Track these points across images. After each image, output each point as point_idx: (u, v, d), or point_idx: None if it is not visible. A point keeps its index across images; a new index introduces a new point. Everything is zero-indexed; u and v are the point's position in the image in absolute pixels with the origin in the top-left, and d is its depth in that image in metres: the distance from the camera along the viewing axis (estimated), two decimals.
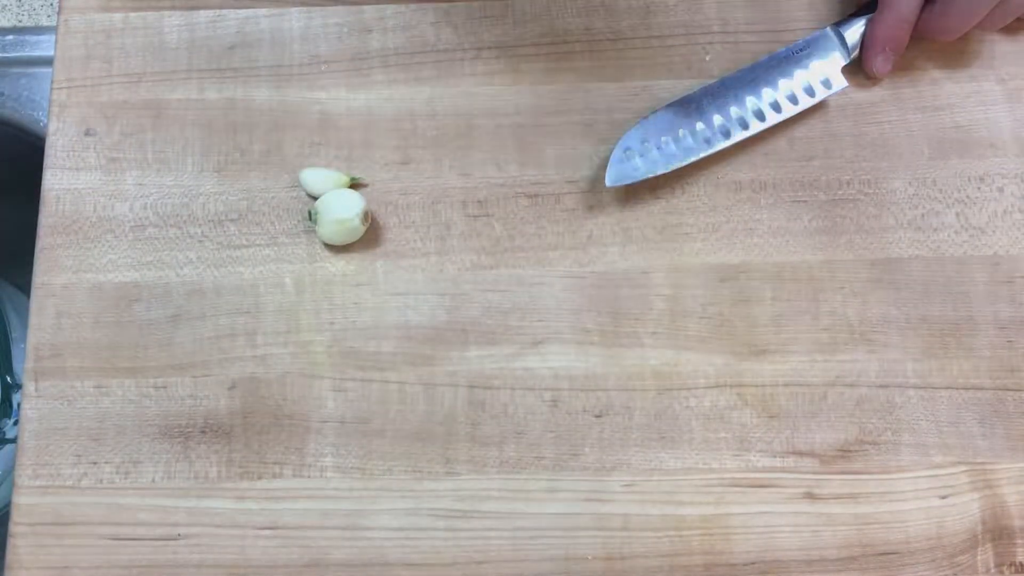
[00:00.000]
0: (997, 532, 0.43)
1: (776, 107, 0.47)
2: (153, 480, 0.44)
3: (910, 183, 0.47)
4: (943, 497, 0.43)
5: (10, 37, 0.79)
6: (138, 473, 0.44)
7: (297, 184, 0.47)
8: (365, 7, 0.50)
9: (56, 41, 0.50)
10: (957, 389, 0.44)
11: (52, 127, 0.49)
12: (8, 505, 0.43)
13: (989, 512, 0.43)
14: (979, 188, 0.47)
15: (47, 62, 0.78)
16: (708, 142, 0.46)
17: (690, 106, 0.47)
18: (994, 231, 0.47)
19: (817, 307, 0.46)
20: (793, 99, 0.47)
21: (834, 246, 0.46)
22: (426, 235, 0.47)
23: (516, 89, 0.49)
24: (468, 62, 0.49)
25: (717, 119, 0.47)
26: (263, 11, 0.50)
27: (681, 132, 0.46)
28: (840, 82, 0.48)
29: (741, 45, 0.49)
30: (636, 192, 0.47)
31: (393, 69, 0.49)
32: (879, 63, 0.48)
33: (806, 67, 0.48)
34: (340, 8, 0.50)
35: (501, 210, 0.47)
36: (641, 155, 0.46)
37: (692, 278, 0.46)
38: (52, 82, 0.49)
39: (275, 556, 0.43)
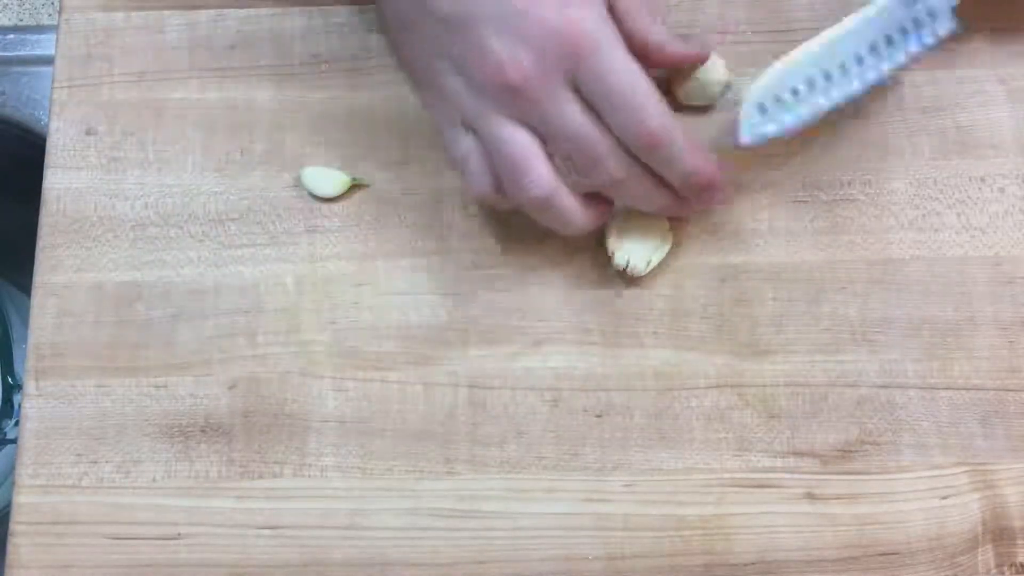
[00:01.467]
0: (998, 533, 0.43)
1: (890, 41, 0.45)
2: (153, 479, 0.44)
3: (911, 183, 0.47)
4: (944, 498, 0.43)
5: (11, 36, 0.79)
6: (138, 472, 0.44)
7: (298, 183, 0.47)
8: (366, 7, 0.50)
9: (57, 40, 0.50)
10: (958, 390, 0.44)
11: (53, 126, 0.49)
12: (9, 505, 0.43)
13: (990, 513, 0.43)
14: (980, 189, 0.47)
15: (48, 61, 0.78)
16: (850, 82, 0.44)
17: (814, 52, 0.44)
18: (995, 231, 0.47)
19: (818, 307, 0.46)
20: (904, 34, 0.45)
21: (835, 246, 0.46)
22: (427, 235, 0.47)
23: None
24: None
25: (846, 61, 0.44)
26: (264, 10, 0.50)
27: (815, 78, 0.44)
28: (950, 25, 0.45)
29: (742, 45, 0.49)
30: None
31: (394, 69, 0.49)
32: None
33: (917, 6, 0.44)
34: (341, 8, 0.50)
35: (502, 210, 0.47)
36: (778, 109, 0.43)
37: (693, 278, 0.46)
38: (53, 81, 0.49)
39: (275, 556, 0.43)
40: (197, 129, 0.48)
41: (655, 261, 0.45)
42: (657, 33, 0.42)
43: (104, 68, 0.49)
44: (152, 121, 0.48)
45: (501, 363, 0.45)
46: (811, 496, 0.43)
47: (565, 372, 0.45)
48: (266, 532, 0.43)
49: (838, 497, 0.43)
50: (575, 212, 0.41)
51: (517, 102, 0.39)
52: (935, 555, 0.42)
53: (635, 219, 0.45)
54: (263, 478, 0.43)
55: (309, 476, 0.43)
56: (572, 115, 0.39)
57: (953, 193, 0.47)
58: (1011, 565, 0.42)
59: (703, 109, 0.48)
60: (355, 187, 0.47)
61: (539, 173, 0.40)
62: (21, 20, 1.13)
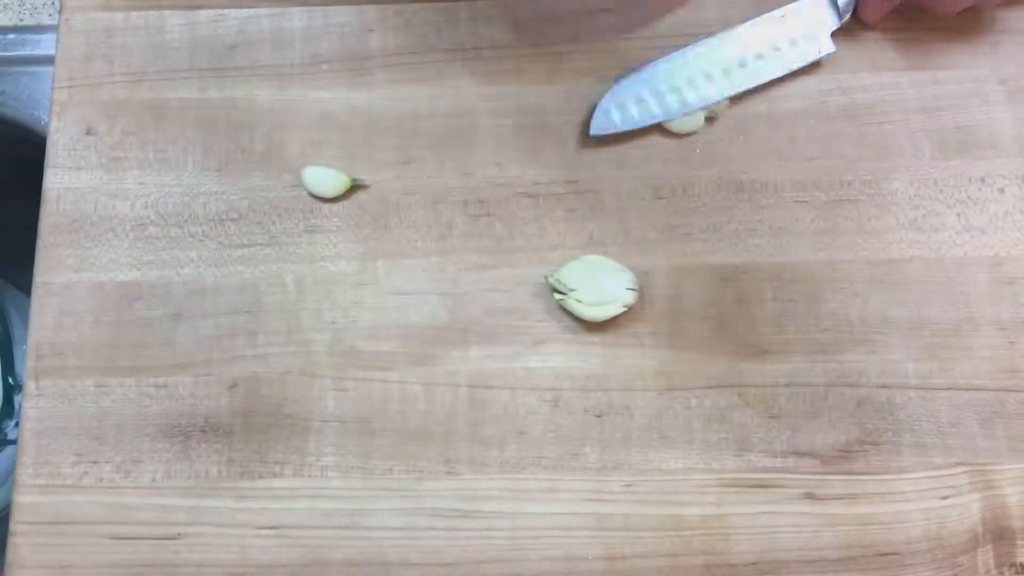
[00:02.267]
0: (998, 533, 0.43)
1: (760, 57, 0.48)
2: (153, 479, 0.44)
3: (911, 184, 0.47)
4: (944, 498, 0.43)
5: (11, 36, 0.79)
6: (139, 472, 0.44)
7: (298, 183, 0.47)
8: (366, 7, 0.50)
9: (57, 40, 0.50)
10: (958, 390, 0.44)
11: (53, 126, 0.49)
12: (9, 505, 0.43)
13: (990, 513, 0.43)
14: (980, 189, 0.47)
15: (48, 61, 0.78)
16: (687, 101, 0.47)
17: (676, 61, 0.48)
18: (995, 232, 0.47)
19: (818, 307, 0.46)
20: (778, 52, 0.48)
21: (835, 246, 0.46)
22: (427, 235, 0.47)
23: (517, 89, 0.49)
24: (469, 62, 0.49)
25: (700, 74, 0.47)
26: (264, 10, 0.50)
27: (665, 88, 0.47)
28: (828, 46, 0.48)
29: None
30: (637, 192, 0.47)
31: (394, 69, 0.49)
32: (870, 10, 0.47)
33: (794, 25, 0.48)
34: (341, 8, 0.50)
35: (502, 210, 0.47)
36: (622, 109, 0.47)
37: (693, 278, 0.46)
38: (53, 81, 0.49)
39: (275, 556, 0.43)
40: (197, 129, 0.48)
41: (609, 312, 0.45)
42: None
43: (104, 68, 0.49)
44: (152, 121, 0.48)
45: (501, 363, 0.45)
46: (811, 496, 0.43)
47: (565, 372, 0.45)
48: (266, 532, 0.43)
49: (838, 497, 0.43)
50: None
51: None
52: (935, 555, 0.42)
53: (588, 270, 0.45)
54: (263, 478, 0.43)
55: (309, 476, 0.43)
56: None
57: (953, 193, 0.47)
58: (1011, 565, 0.42)
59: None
60: (355, 187, 0.47)
61: None
62: (21, 20, 1.13)
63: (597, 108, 0.47)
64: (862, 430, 0.44)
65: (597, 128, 0.47)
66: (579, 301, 0.44)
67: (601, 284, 0.44)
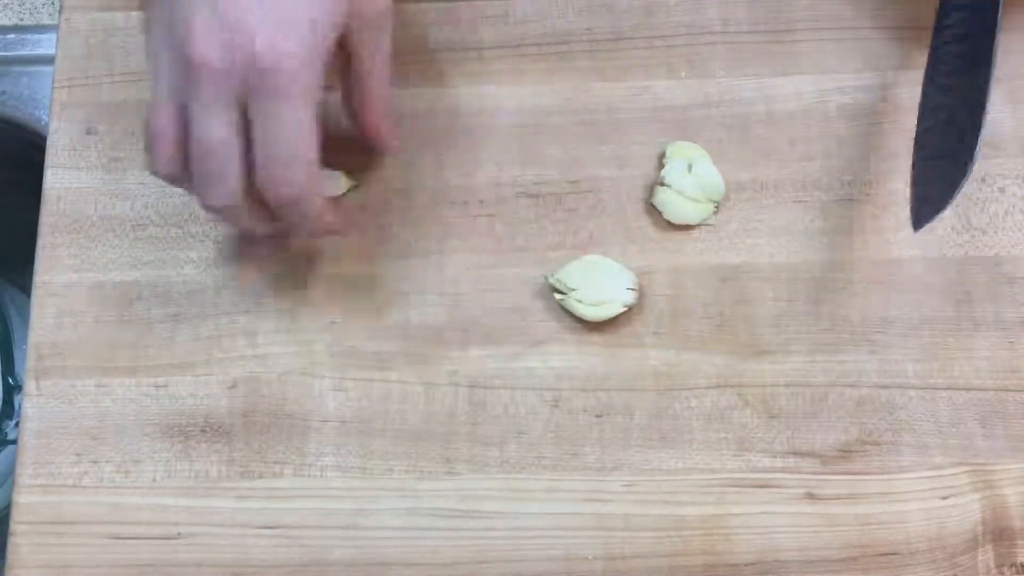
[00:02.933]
0: (998, 533, 0.43)
1: None
2: (153, 479, 0.44)
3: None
4: (944, 498, 0.43)
5: (11, 36, 0.79)
6: (138, 472, 0.44)
7: None
8: None
9: (57, 40, 0.50)
10: (958, 390, 0.44)
11: (53, 126, 0.49)
12: (9, 505, 0.43)
13: (990, 513, 0.43)
14: (980, 189, 0.47)
15: (48, 61, 0.78)
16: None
17: None
18: (995, 232, 0.47)
19: (818, 307, 0.46)
20: None
21: (835, 246, 0.46)
22: (427, 235, 0.47)
23: (517, 89, 0.49)
24: (469, 62, 0.49)
25: None
26: None
27: None
28: None
29: (743, 45, 0.49)
30: (637, 192, 0.47)
31: (394, 69, 0.49)
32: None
33: None
34: None
35: (502, 210, 0.47)
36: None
37: (693, 278, 0.46)
38: (53, 81, 0.49)
39: (275, 555, 0.43)
40: None
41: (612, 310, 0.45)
42: (379, 102, 0.43)
43: (104, 68, 0.49)
44: None
45: (501, 363, 0.45)
46: (811, 496, 0.43)
47: (565, 372, 0.45)
48: (266, 532, 0.43)
49: (838, 497, 0.43)
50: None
51: (190, 81, 0.37)
52: (935, 555, 0.42)
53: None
54: (263, 478, 0.43)
55: (309, 476, 0.43)
56: (218, 125, 0.37)
57: None
58: (1011, 565, 0.42)
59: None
60: (355, 187, 0.47)
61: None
62: (21, 20, 1.13)
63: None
64: (862, 430, 0.44)
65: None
66: (579, 301, 0.44)
67: (601, 284, 0.44)
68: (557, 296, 0.45)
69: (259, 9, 0.36)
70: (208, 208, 0.39)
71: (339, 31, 0.38)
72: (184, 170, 0.39)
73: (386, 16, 0.41)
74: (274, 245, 0.45)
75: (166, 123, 0.38)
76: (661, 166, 0.47)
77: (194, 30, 0.36)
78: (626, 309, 0.44)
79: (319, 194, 0.39)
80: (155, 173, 0.39)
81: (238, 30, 0.36)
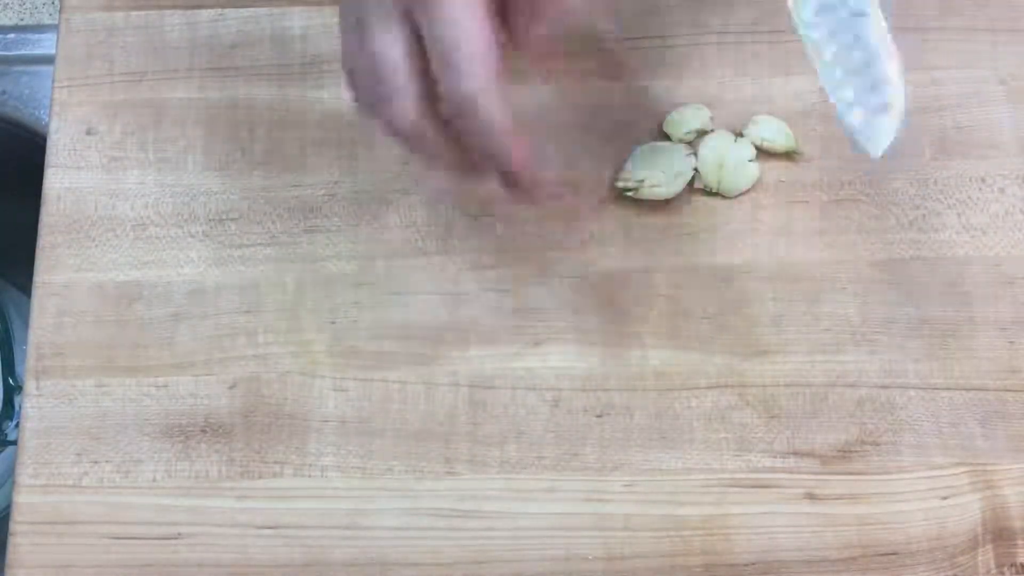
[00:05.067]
0: (998, 533, 0.43)
1: None
2: (154, 479, 0.44)
3: (911, 183, 0.47)
4: (944, 498, 0.43)
5: (12, 35, 0.79)
6: (139, 472, 0.44)
7: (299, 183, 0.47)
8: None
9: (57, 40, 0.50)
10: (958, 390, 0.44)
11: (53, 126, 0.49)
12: (9, 506, 0.43)
13: (990, 513, 0.43)
14: (980, 189, 0.47)
15: (48, 61, 0.77)
16: None
17: None
18: (995, 232, 0.47)
19: (818, 308, 0.46)
20: None
21: (835, 246, 0.46)
22: (427, 234, 0.47)
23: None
24: None
25: None
26: (264, 10, 0.50)
27: None
28: None
29: (743, 45, 0.49)
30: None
31: None
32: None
33: None
34: None
35: (502, 210, 0.47)
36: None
37: (693, 278, 0.46)
38: (54, 81, 0.49)
39: (275, 555, 0.43)
40: (197, 129, 0.48)
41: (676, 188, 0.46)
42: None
43: (104, 68, 0.49)
44: (152, 121, 0.48)
45: (501, 363, 0.45)
46: (811, 496, 0.43)
47: (565, 372, 0.45)
48: (266, 532, 0.43)
49: (838, 497, 0.43)
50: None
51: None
52: (935, 555, 0.42)
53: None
54: (263, 478, 0.43)
55: (309, 476, 0.43)
56: (390, 40, 0.36)
57: (953, 193, 0.47)
58: (1011, 565, 0.42)
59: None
60: (355, 186, 0.47)
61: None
62: (22, 20, 1.13)
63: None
64: (862, 430, 0.44)
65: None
66: (654, 186, 0.46)
67: (663, 164, 0.46)
68: (628, 192, 0.46)
69: None
70: (394, 133, 0.38)
71: None
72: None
73: None
74: (464, 181, 0.41)
75: (355, 48, 0.38)
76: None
77: None
78: (695, 174, 0.46)
79: (499, 98, 0.37)
80: (354, 102, 0.39)
81: None
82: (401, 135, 0.38)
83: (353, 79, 0.38)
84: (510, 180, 0.38)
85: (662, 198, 0.46)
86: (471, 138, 0.37)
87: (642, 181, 0.46)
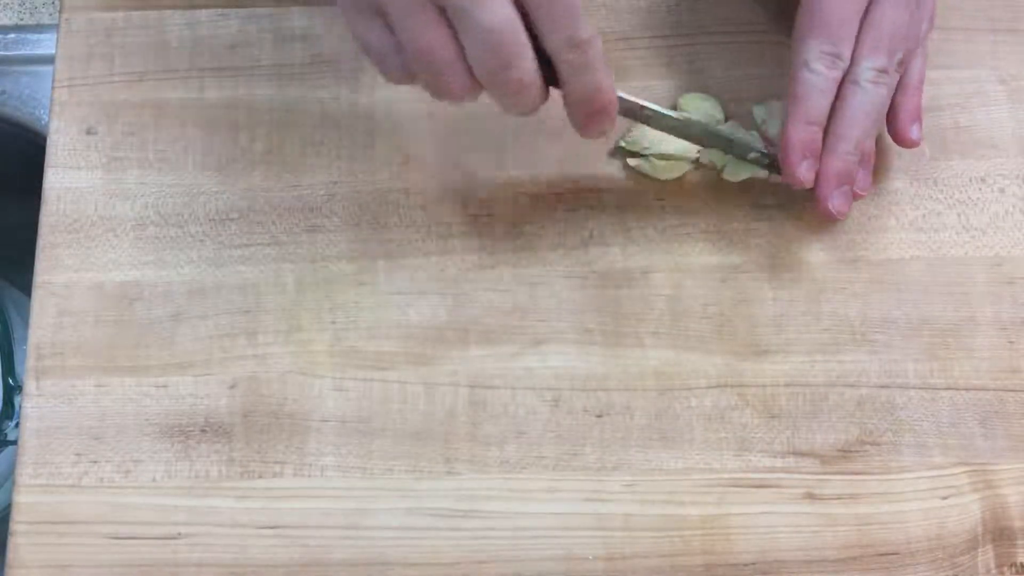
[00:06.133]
0: (998, 533, 0.43)
1: None
2: (154, 479, 0.44)
3: (911, 183, 0.47)
4: (944, 498, 0.43)
5: (12, 35, 0.79)
6: (139, 472, 0.44)
7: (299, 183, 0.47)
8: None
9: (57, 40, 0.50)
10: (958, 390, 0.44)
11: (53, 126, 0.49)
12: (9, 506, 0.43)
13: (990, 513, 0.43)
14: (980, 189, 0.47)
15: (48, 61, 0.77)
16: None
17: None
18: (995, 232, 0.47)
19: (818, 307, 0.46)
20: None
21: (835, 246, 0.46)
22: (427, 234, 0.47)
23: None
24: None
25: None
26: (264, 10, 0.50)
27: None
28: None
29: (743, 45, 0.49)
30: (637, 192, 0.47)
31: None
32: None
33: None
34: None
35: (502, 209, 0.47)
36: None
37: (693, 278, 0.46)
38: (53, 81, 0.49)
39: (275, 555, 0.43)
40: (197, 128, 0.48)
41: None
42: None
43: (104, 68, 0.49)
44: (152, 121, 0.48)
45: (501, 363, 0.45)
46: (811, 496, 0.43)
47: (565, 372, 0.45)
48: (266, 532, 0.43)
49: (838, 497, 0.43)
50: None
51: None
52: (935, 555, 0.42)
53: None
54: (263, 478, 0.43)
55: (309, 476, 0.43)
56: (423, 29, 0.37)
57: (953, 193, 0.47)
58: (1011, 565, 0.42)
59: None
60: (355, 186, 0.47)
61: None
62: (21, 20, 1.13)
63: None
64: (862, 430, 0.44)
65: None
66: (661, 158, 0.46)
67: (671, 140, 0.46)
68: (632, 161, 0.46)
69: None
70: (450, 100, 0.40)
71: None
72: (411, 75, 0.39)
73: None
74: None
75: (375, 36, 0.39)
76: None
77: None
78: (698, 156, 0.46)
79: (599, 45, 0.38)
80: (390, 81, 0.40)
81: None
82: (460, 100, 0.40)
83: (382, 65, 0.39)
84: (595, 111, 0.41)
85: (661, 176, 0.47)
86: (576, 74, 0.39)
87: (647, 148, 0.46)
